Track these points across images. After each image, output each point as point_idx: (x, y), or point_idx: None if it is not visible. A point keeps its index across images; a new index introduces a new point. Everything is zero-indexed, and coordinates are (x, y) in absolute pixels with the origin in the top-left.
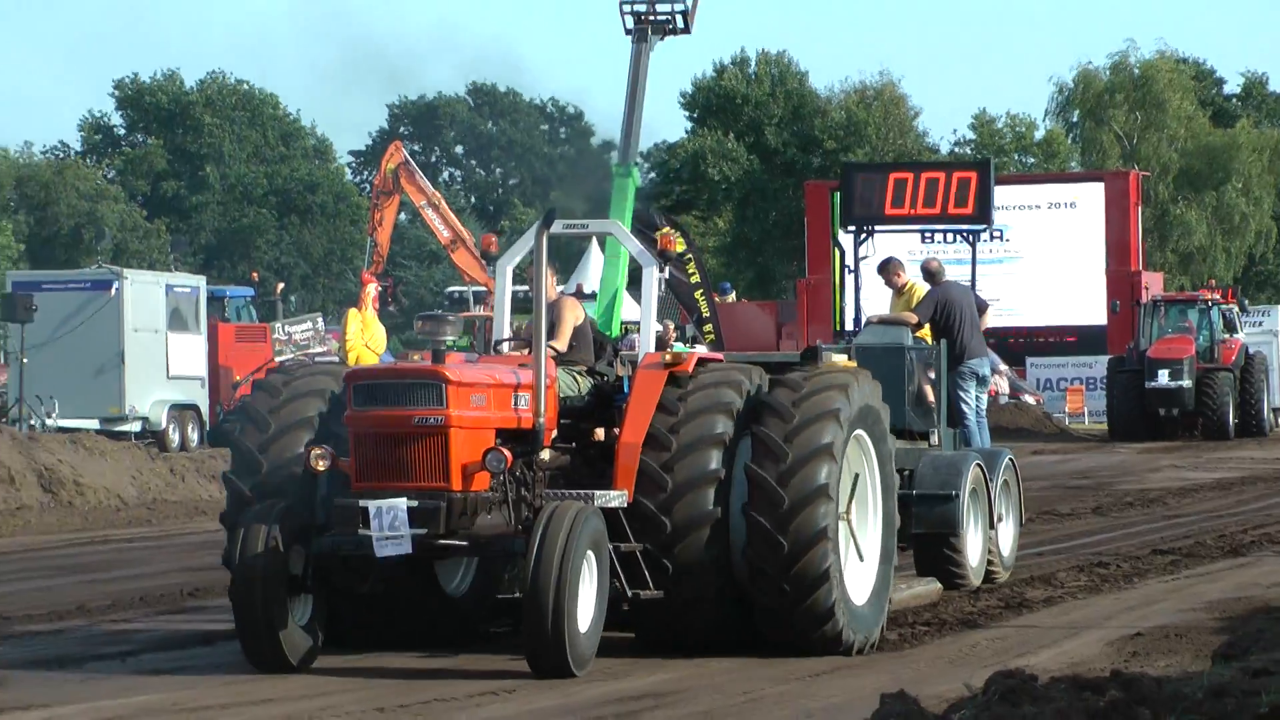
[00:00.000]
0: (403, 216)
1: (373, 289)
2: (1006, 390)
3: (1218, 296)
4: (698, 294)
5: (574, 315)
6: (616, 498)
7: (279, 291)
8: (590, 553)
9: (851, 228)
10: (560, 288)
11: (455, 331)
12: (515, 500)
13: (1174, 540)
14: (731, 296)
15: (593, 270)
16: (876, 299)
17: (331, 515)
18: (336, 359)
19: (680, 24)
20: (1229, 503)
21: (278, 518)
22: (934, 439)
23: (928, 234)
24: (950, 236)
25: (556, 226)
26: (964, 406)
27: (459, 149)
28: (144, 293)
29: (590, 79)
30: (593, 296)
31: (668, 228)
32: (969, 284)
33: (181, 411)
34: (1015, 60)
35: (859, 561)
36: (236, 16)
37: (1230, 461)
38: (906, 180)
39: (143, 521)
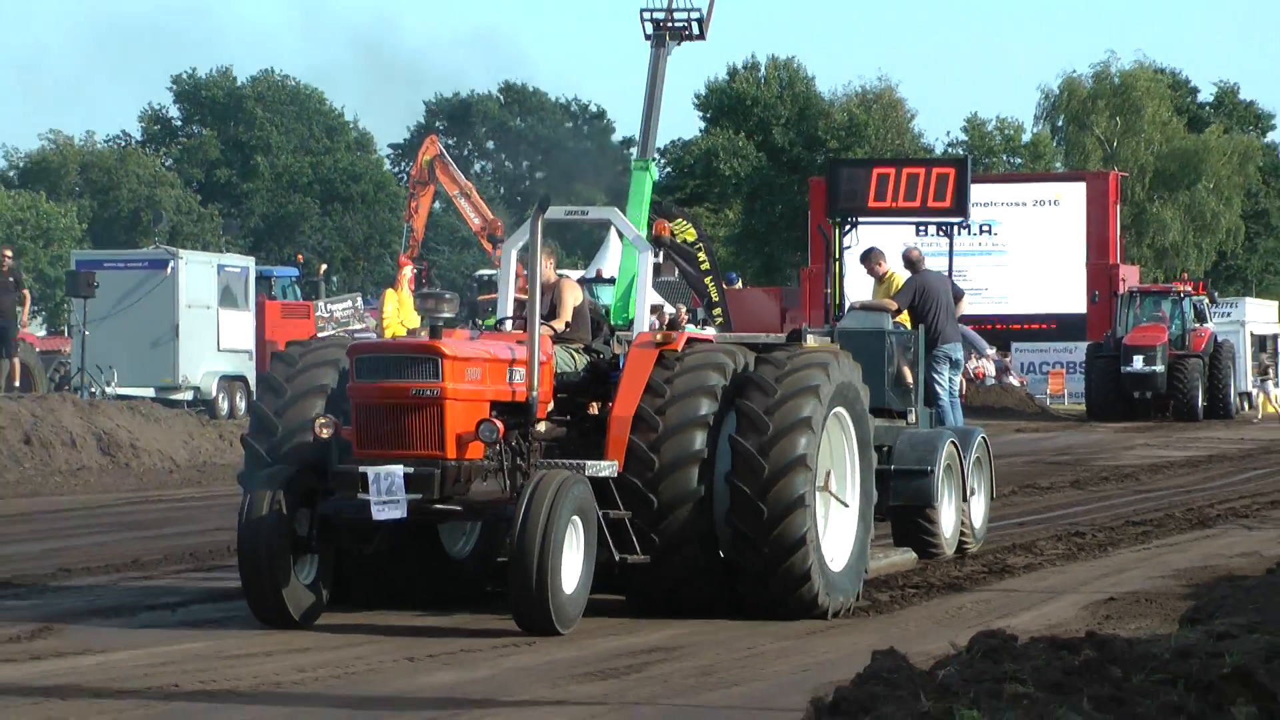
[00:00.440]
0: (437, 205)
1: (409, 271)
2: (993, 373)
3: (1189, 289)
4: (708, 280)
5: (573, 296)
6: (606, 468)
7: (321, 272)
8: (576, 518)
9: (836, 219)
10: (563, 272)
11: (453, 309)
12: (510, 469)
13: (1145, 513)
14: (738, 284)
15: (612, 256)
16: (862, 286)
17: (333, 480)
18: (374, 335)
19: (696, 31)
20: (1197, 479)
21: (284, 482)
22: (911, 418)
23: (921, 227)
24: (953, 229)
25: (558, 213)
26: (938, 388)
27: (490, 143)
28: (197, 272)
29: (613, 81)
30: (611, 280)
31: (679, 218)
32: (947, 273)
33: (230, 382)
34: (1005, 68)
35: (837, 531)
36: (287, 17)
37: (1199, 441)
38: (889, 175)
39: (193, 483)
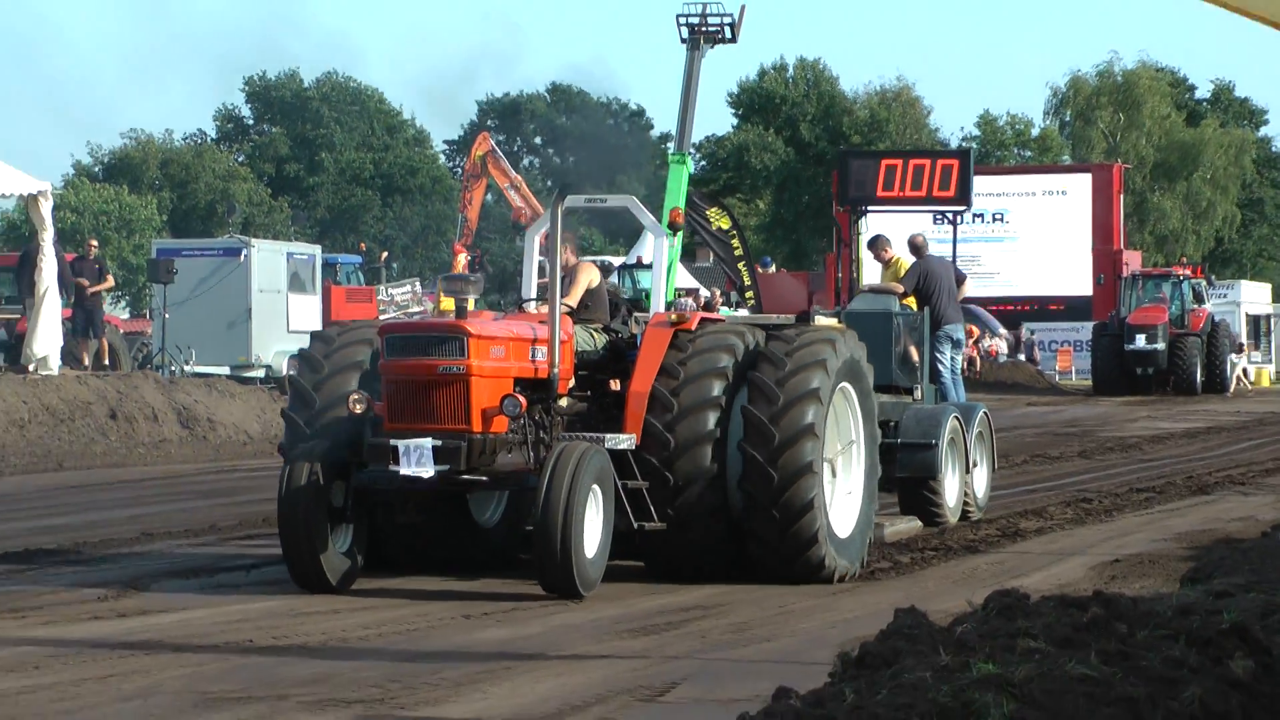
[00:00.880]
0: (489, 196)
1: (463, 258)
2: (1005, 351)
3: (1188, 272)
4: (741, 265)
5: (587, 278)
6: (625, 440)
7: (383, 259)
8: (596, 487)
9: (846, 208)
10: (588, 258)
11: (477, 291)
12: (534, 441)
13: (1148, 480)
14: (772, 269)
15: (650, 243)
16: (874, 271)
17: (366, 453)
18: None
19: (728, 34)
20: (1196, 448)
21: (320, 455)
22: (917, 394)
23: (938, 216)
24: (958, 217)
25: (578, 201)
26: (940, 366)
27: (538, 139)
28: (268, 259)
29: (652, 80)
30: (649, 267)
31: (714, 208)
32: (951, 258)
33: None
34: (1016, 68)
35: (843, 500)
36: (348, 24)
37: (1197, 413)
38: (896, 166)
39: (265, 454)
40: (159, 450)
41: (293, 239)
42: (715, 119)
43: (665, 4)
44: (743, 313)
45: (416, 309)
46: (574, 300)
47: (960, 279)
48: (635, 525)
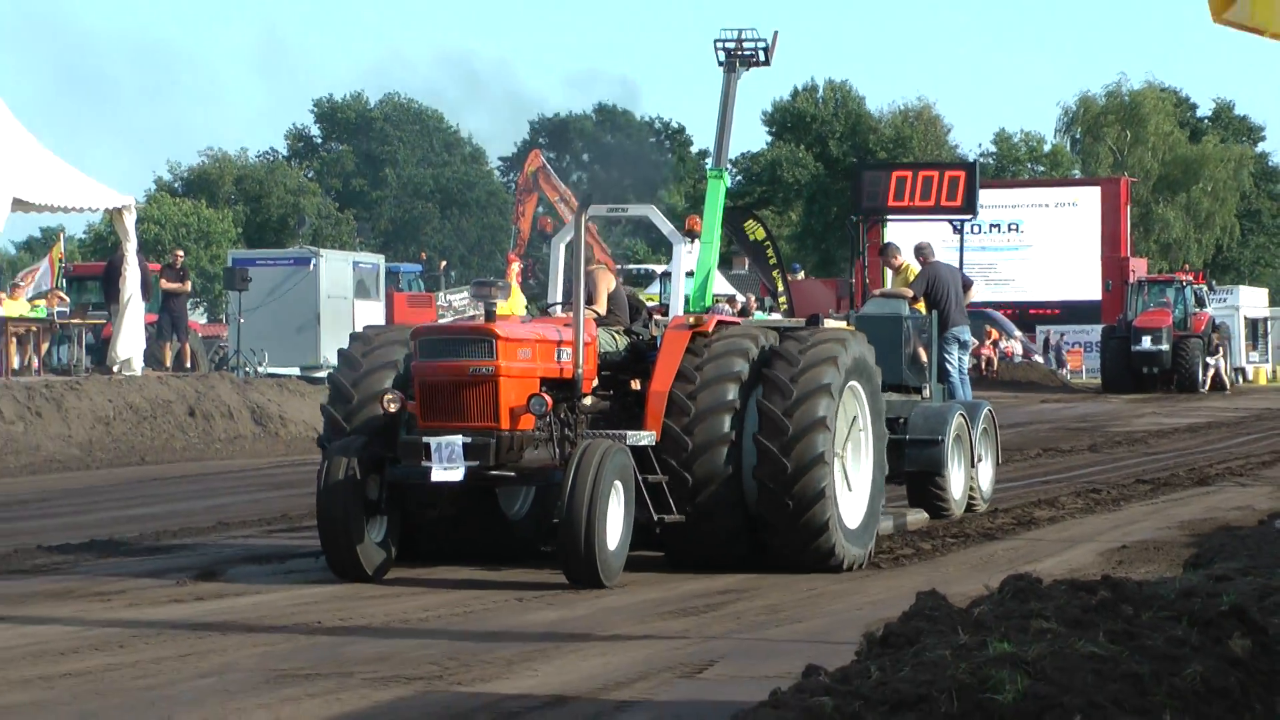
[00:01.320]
0: (540, 209)
1: (516, 267)
2: (1020, 351)
3: (1191, 278)
4: (774, 273)
5: (606, 284)
6: (646, 437)
7: (442, 268)
8: (618, 482)
9: (859, 217)
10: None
11: (504, 295)
12: (559, 439)
13: (1153, 472)
14: (801, 275)
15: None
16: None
17: (400, 449)
18: None
19: (762, 58)
20: (1198, 442)
21: (357, 450)
22: (925, 393)
23: (957, 225)
24: (974, 227)
25: (600, 210)
26: (949, 366)
27: (585, 156)
28: (335, 268)
29: (691, 102)
30: (689, 274)
31: (750, 219)
32: (958, 264)
33: None
34: (1029, 88)
35: (852, 493)
36: (412, 50)
37: (1199, 410)
38: (906, 178)
39: None
40: (234, 445)
41: (358, 249)
42: (750, 136)
43: (704, 30)
44: (776, 316)
45: (473, 314)
46: (602, 307)
47: (967, 284)
48: (655, 518)
